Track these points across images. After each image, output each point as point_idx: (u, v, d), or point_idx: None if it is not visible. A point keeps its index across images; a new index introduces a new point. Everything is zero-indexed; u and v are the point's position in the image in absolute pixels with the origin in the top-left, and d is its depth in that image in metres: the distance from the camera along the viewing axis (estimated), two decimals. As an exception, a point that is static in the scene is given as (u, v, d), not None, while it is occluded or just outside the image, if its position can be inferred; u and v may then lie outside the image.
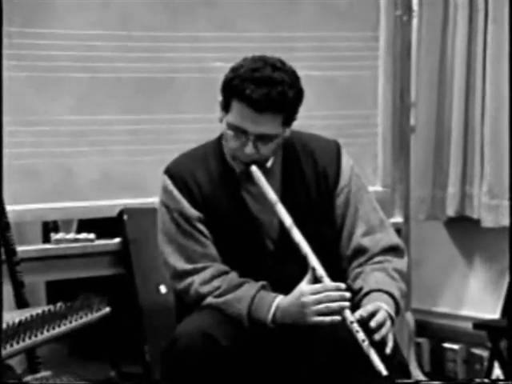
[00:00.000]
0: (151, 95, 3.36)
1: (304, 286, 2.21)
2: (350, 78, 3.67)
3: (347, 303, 2.18)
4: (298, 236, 2.24)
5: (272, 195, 2.27)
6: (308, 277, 2.22)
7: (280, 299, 2.24)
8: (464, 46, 3.81)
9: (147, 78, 3.36)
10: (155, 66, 3.37)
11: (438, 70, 3.89)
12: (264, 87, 2.20)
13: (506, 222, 3.70)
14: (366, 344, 2.13)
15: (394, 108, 3.78)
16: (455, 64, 3.84)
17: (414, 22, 3.90)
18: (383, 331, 2.15)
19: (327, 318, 2.18)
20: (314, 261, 2.22)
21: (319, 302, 2.18)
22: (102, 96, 3.29)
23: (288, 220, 2.25)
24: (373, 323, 2.15)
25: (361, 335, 2.14)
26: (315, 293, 2.19)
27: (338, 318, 2.17)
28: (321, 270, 2.21)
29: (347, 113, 3.68)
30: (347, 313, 2.17)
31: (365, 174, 3.35)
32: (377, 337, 2.14)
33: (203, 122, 3.23)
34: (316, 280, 2.22)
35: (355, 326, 2.14)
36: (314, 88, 3.17)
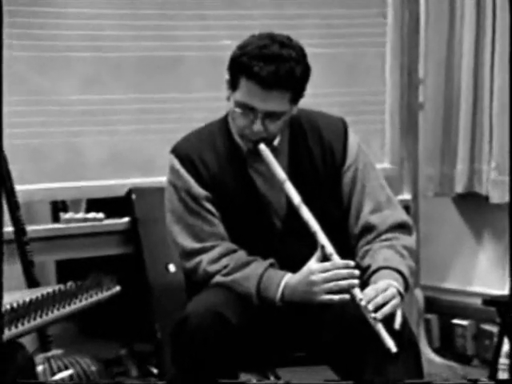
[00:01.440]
0: (159, 74, 3.36)
1: (313, 263, 2.21)
2: (357, 54, 3.65)
3: (356, 281, 2.18)
4: (306, 214, 2.24)
5: (281, 173, 2.27)
6: (317, 255, 2.22)
7: (288, 277, 2.24)
8: (473, 22, 3.79)
9: (155, 57, 3.35)
10: (163, 45, 3.36)
11: (447, 47, 3.86)
12: (272, 64, 2.20)
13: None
14: (375, 322, 2.14)
15: (401, 85, 3.77)
16: (464, 40, 3.82)
17: (422, -3, 3.88)
18: (391, 306, 2.16)
19: (336, 297, 2.18)
20: (323, 238, 2.22)
21: (328, 280, 2.18)
22: (110, 75, 3.29)
23: (297, 198, 2.25)
24: (380, 299, 2.15)
25: (370, 313, 2.14)
26: (324, 271, 2.19)
27: (347, 296, 2.17)
28: (330, 248, 2.21)
29: (355, 90, 3.67)
30: (356, 291, 2.17)
31: (372, 151, 3.35)
32: (385, 310, 2.14)
33: (211, 101, 3.22)
34: (325, 258, 2.22)
35: (364, 304, 2.15)
36: (321, 65, 3.15)
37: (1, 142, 2.80)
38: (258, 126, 2.25)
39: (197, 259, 2.30)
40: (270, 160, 2.28)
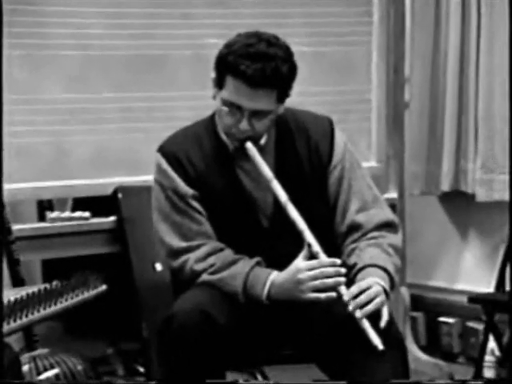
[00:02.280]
0: (145, 73, 3.35)
1: (299, 262, 2.22)
2: (343, 53, 3.66)
3: (343, 279, 2.19)
4: (293, 212, 2.24)
5: (267, 172, 2.27)
6: (303, 253, 2.22)
7: (275, 275, 2.25)
8: (458, 20, 3.80)
9: (140, 56, 3.35)
10: (148, 44, 3.35)
11: (432, 45, 3.88)
12: (258, 62, 2.19)
13: (499, 197, 3.71)
14: (361, 319, 2.14)
15: (387, 83, 3.78)
16: (449, 39, 3.83)
17: (408, -4, 3.89)
18: (375, 304, 2.16)
19: (323, 295, 2.18)
20: (309, 237, 2.22)
21: (315, 278, 2.18)
22: (95, 74, 3.29)
23: (283, 196, 2.25)
24: (364, 297, 2.15)
25: (357, 311, 2.14)
26: (311, 269, 2.19)
27: (333, 294, 2.18)
28: (316, 246, 2.22)
29: (341, 88, 3.67)
30: (343, 289, 2.18)
31: (359, 150, 3.36)
32: (368, 308, 2.14)
33: (197, 99, 3.22)
34: (311, 256, 2.22)
35: (351, 302, 2.15)
36: (307, 64, 3.16)
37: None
38: (244, 125, 2.25)
39: (183, 258, 2.30)
40: (257, 159, 2.28)
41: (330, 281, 2.18)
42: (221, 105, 2.26)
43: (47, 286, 2.30)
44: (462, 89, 3.82)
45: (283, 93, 2.27)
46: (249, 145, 2.27)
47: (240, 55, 2.20)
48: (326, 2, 3.62)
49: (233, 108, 2.24)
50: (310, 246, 2.22)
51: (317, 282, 2.19)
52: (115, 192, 3.30)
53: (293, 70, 2.26)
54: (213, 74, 2.28)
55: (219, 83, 2.26)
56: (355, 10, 3.69)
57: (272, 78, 2.21)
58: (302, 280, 2.19)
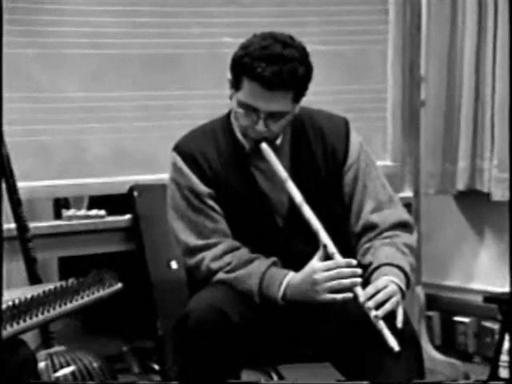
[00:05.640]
0: (161, 71, 3.36)
1: (315, 262, 2.21)
2: (359, 52, 3.65)
3: (359, 279, 2.18)
4: (308, 213, 2.24)
5: (282, 172, 2.27)
6: (319, 254, 2.22)
7: (291, 276, 2.25)
8: (474, 19, 3.79)
9: (157, 54, 3.35)
10: (165, 42, 3.36)
11: (448, 44, 3.86)
12: (275, 64, 2.19)
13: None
14: (377, 320, 2.14)
15: (403, 82, 3.77)
16: (465, 37, 3.82)
17: (424, -6, 3.88)
18: (392, 303, 2.16)
19: (339, 296, 2.18)
20: (325, 237, 2.22)
21: (331, 279, 2.18)
22: (112, 72, 3.29)
23: (298, 197, 2.25)
24: (381, 296, 2.15)
25: (373, 312, 2.14)
26: (327, 270, 2.19)
27: (350, 295, 2.18)
28: (332, 247, 2.21)
29: (356, 87, 3.67)
30: (359, 289, 2.18)
31: (374, 149, 3.34)
32: (386, 307, 2.14)
33: (213, 98, 3.23)
34: (327, 257, 2.22)
35: (367, 303, 2.15)
36: (322, 63, 3.15)
37: (2, 139, 2.81)
38: (260, 126, 2.25)
39: (200, 256, 2.31)
40: (272, 159, 2.28)
41: (347, 281, 2.18)
42: (237, 106, 2.27)
43: (63, 283, 2.31)
44: (478, 87, 3.81)
45: (299, 94, 2.27)
46: (264, 146, 2.28)
47: (256, 57, 2.20)
48: (342, 0, 3.62)
49: (249, 110, 2.25)
50: (325, 246, 2.22)
51: (333, 283, 2.19)
52: (131, 190, 3.31)
53: (309, 71, 2.26)
54: (229, 76, 2.28)
55: (235, 85, 2.26)
56: (371, 9, 3.68)
57: (288, 80, 2.21)
58: (318, 281, 2.19)
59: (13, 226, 2.89)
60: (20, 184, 2.97)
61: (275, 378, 2.64)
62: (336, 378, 2.33)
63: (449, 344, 3.98)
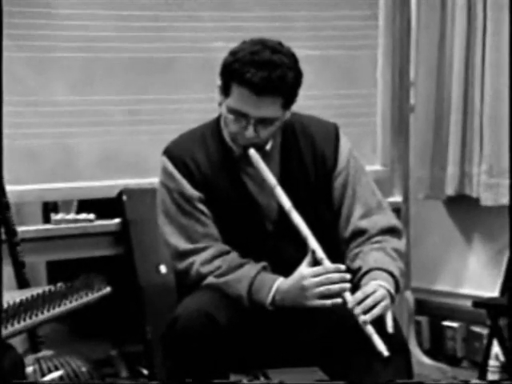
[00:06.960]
0: (151, 75, 3.36)
1: (304, 268, 2.22)
2: (348, 57, 3.66)
3: (348, 285, 2.19)
4: (297, 219, 2.24)
5: (271, 178, 2.27)
6: (308, 259, 2.22)
7: (280, 282, 2.24)
8: (464, 24, 3.80)
9: (147, 58, 3.35)
10: (155, 46, 3.36)
11: (438, 49, 3.88)
12: (264, 70, 2.19)
13: (504, 201, 3.71)
14: (366, 325, 2.14)
15: (393, 87, 3.78)
16: (454, 43, 3.83)
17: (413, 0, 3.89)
18: (381, 308, 2.16)
19: (328, 301, 2.18)
20: (313, 243, 2.22)
21: (320, 285, 2.18)
22: (102, 76, 3.29)
23: (287, 203, 2.26)
24: (369, 300, 2.16)
25: (361, 317, 2.15)
26: (316, 275, 2.19)
27: (338, 300, 2.18)
28: (321, 253, 2.22)
29: (346, 92, 3.68)
30: (348, 295, 2.18)
31: (364, 154, 3.36)
32: (375, 312, 2.15)
33: (203, 102, 3.23)
34: (316, 262, 2.22)
35: (356, 309, 2.15)
36: (312, 68, 3.17)
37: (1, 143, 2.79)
38: (250, 132, 2.25)
39: (189, 260, 2.30)
40: (260, 165, 2.28)
41: (335, 287, 2.18)
42: (226, 112, 2.27)
43: (52, 287, 2.30)
44: (467, 93, 3.82)
45: (289, 100, 2.27)
46: (252, 151, 2.27)
47: (245, 63, 2.20)
48: (332, 5, 3.62)
49: (238, 116, 2.25)
50: (314, 252, 2.22)
51: (322, 289, 2.19)
52: (120, 194, 3.31)
53: (298, 77, 2.26)
54: (218, 82, 2.28)
55: (225, 91, 2.26)
56: (361, 14, 3.69)
57: (277, 86, 2.21)
58: (307, 287, 2.19)
59: (1, 229, 2.88)
60: (8, 188, 2.96)
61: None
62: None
63: (437, 348, 3.99)
